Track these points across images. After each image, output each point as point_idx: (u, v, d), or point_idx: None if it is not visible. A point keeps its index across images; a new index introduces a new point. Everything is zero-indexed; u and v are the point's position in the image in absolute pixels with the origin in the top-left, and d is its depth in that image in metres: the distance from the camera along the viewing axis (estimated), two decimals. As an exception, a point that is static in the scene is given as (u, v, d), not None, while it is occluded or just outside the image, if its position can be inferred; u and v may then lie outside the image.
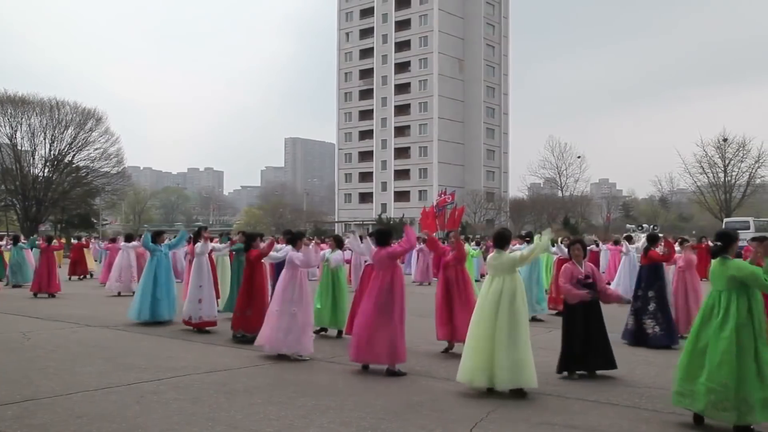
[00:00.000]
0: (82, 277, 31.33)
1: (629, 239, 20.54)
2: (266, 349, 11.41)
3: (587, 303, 9.95)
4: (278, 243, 15.66)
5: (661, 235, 16.62)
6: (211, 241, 18.41)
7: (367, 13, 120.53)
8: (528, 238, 18.88)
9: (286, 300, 11.45)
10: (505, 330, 8.76)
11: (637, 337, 13.22)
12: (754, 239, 9.35)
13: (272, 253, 12.97)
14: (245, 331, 13.05)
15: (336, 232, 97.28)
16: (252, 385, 9.31)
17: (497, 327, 8.79)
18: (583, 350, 9.86)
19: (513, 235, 13.74)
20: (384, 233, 10.92)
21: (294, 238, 12.39)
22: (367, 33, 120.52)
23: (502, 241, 9.54)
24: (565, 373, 10.01)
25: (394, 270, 10.45)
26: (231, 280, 16.61)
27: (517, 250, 13.61)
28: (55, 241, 26.34)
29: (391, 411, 7.94)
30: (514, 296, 8.98)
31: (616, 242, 26.11)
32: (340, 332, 14.11)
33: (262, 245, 13.52)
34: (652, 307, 13.22)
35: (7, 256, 27.63)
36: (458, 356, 9.58)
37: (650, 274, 13.55)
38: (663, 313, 13.22)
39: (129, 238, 25.48)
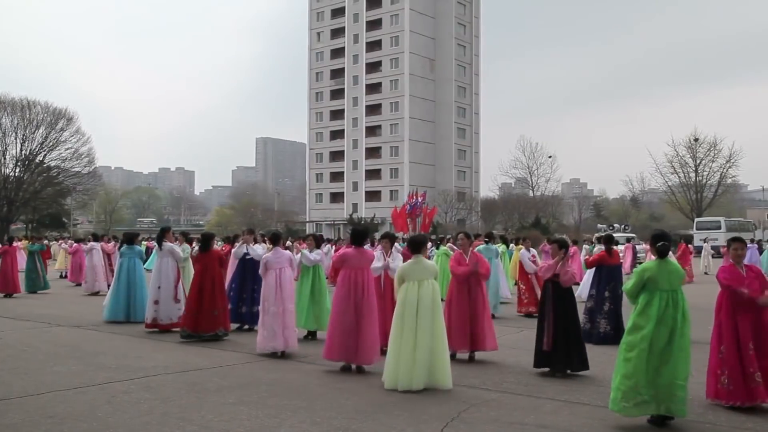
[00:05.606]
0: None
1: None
2: (290, 350, 11.63)
3: (562, 302, 10.08)
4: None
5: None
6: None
7: (338, 12, 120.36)
8: (487, 239, 18.92)
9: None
10: (428, 335, 9.10)
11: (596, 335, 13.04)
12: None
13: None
14: (191, 331, 13.06)
15: (307, 231, 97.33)
16: (223, 385, 9.30)
17: (418, 333, 9.08)
18: (555, 350, 9.94)
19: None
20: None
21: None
22: (338, 33, 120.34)
23: (419, 246, 9.78)
24: (546, 369, 10.15)
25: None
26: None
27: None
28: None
29: (362, 411, 7.97)
30: (434, 300, 9.32)
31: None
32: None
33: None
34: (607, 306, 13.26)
35: None
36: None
37: (608, 274, 13.59)
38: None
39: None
